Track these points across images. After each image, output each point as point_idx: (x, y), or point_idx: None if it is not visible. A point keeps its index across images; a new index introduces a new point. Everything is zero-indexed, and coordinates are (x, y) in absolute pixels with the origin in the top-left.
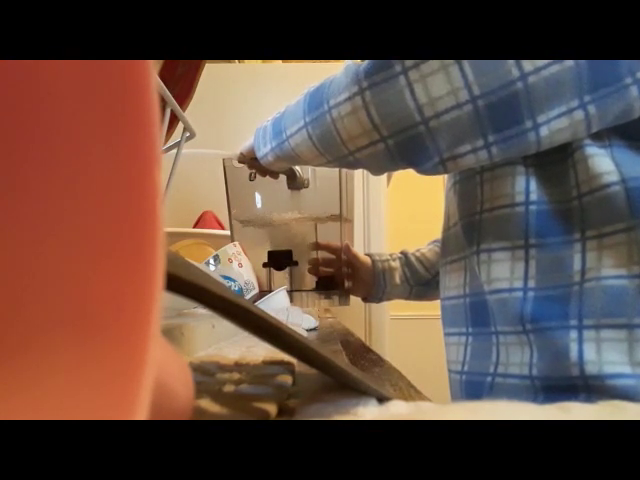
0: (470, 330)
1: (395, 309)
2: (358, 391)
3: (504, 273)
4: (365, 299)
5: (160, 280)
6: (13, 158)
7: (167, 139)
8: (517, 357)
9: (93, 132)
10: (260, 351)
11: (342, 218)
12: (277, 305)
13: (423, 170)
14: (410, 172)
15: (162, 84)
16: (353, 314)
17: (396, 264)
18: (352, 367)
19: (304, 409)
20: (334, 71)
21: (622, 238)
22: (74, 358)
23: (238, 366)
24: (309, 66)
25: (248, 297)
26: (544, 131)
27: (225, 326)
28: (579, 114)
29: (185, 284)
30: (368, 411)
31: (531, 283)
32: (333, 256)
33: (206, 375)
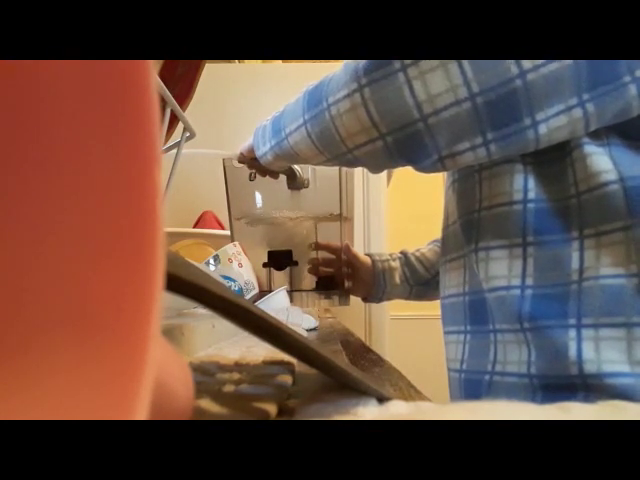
0: (468, 328)
1: (395, 309)
2: (358, 391)
3: (502, 271)
4: (365, 299)
5: (160, 280)
6: (13, 158)
7: (167, 139)
8: (515, 355)
9: (93, 132)
10: (260, 351)
11: (342, 218)
12: (277, 305)
13: (422, 168)
14: (410, 171)
15: (162, 84)
16: (353, 314)
17: (396, 264)
18: (352, 367)
19: (304, 409)
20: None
21: (620, 237)
22: (74, 358)
23: (238, 366)
24: (309, 66)
25: (248, 297)
26: (543, 129)
27: (225, 326)
28: (578, 112)
29: (185, 284)
30: (368, 411)
31: (529, 281)
32: (333, 256)
33: (206, 375)
